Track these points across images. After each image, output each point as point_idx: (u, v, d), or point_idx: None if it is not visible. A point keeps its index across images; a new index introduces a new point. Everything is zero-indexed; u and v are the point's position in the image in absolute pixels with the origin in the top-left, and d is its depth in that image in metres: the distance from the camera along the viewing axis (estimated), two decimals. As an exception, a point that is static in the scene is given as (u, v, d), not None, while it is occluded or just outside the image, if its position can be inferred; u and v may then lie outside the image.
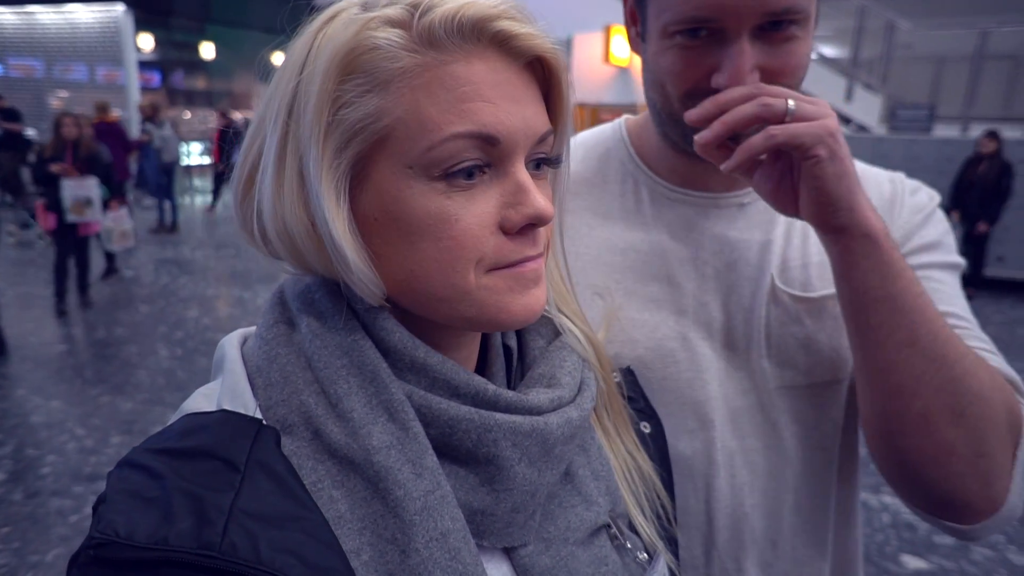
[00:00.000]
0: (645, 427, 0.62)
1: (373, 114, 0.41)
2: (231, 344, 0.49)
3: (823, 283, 0.73)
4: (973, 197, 6.50)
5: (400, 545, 0.40)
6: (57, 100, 9.34)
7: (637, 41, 0.75)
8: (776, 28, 0.63)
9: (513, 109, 0.43)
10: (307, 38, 0.44)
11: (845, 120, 7.99)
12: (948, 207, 6.55)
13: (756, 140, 0.59)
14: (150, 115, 8.64)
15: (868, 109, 7.92)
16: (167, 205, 8.80)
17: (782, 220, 0.76)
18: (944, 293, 0.73)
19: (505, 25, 0.42)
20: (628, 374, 0.65)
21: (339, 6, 0.45)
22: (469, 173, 0.42)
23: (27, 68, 11.78)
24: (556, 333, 0.56)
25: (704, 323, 0.74)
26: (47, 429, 3.48)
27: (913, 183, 0.82)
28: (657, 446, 0.62)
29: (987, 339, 0.72)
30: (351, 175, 0.43)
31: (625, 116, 0.87)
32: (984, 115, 8.07)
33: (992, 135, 6.45)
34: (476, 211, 0.43)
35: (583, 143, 0.86)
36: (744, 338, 0.73)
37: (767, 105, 0.58)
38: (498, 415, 0.44)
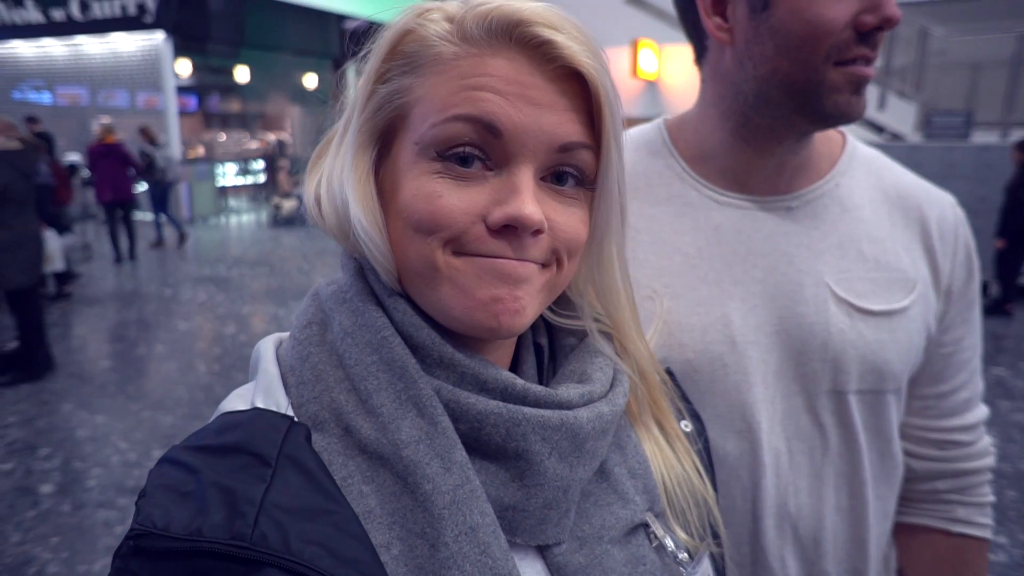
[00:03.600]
0: (686, 426, 0.61)
1: (401, 91, 0.45)
2: (266, 346, 0.51)
3: (881, 297, 0.74)
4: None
5: (429, 539, 0.40)
6: (99, 126, 9.72)
7: (735, 17, 0.71)
8: None
9: (527, 109, 0.43)
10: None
11: (878, 128, 7.86)
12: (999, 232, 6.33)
13: None
14: (150, 138, 8.96)
15: (902, 117, 7.79)
16: (163, 219, 9.21)
17: (833, 228, 0.76)
18: (969, 351, 0.80)
19: (535, 30, 0.43)
20: (668, 375, 0.65)
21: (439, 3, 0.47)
22: (463, 159, 0.43)
23: (73, 96, 12.24)
24: (587, 333, 0.55)
25: (753, 327, 0.73)
26: (92, 443, 3.58)
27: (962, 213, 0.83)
28: (699, 445, 0.61)
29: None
30: (377, 147, 0.47)
31: (664, 116, 0.87)
32: (1023, 120, 7.87)
33: (1020, 146, 6.19)
34: (462, 195, 0.43)
35: (627, 145, 0.86)
36: (797, 341, 0.73)
37: None
38: (527, 409, 0.44)
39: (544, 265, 0.46)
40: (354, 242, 0.48)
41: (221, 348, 5.17)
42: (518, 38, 0.43)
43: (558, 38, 0.43)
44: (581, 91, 0.45)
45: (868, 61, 0.68)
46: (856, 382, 0.73)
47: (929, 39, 7.85)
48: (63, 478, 3.23)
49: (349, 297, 0.47)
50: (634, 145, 0.84)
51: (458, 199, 0.43)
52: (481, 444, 0.44)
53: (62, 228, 8.46)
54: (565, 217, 0.46)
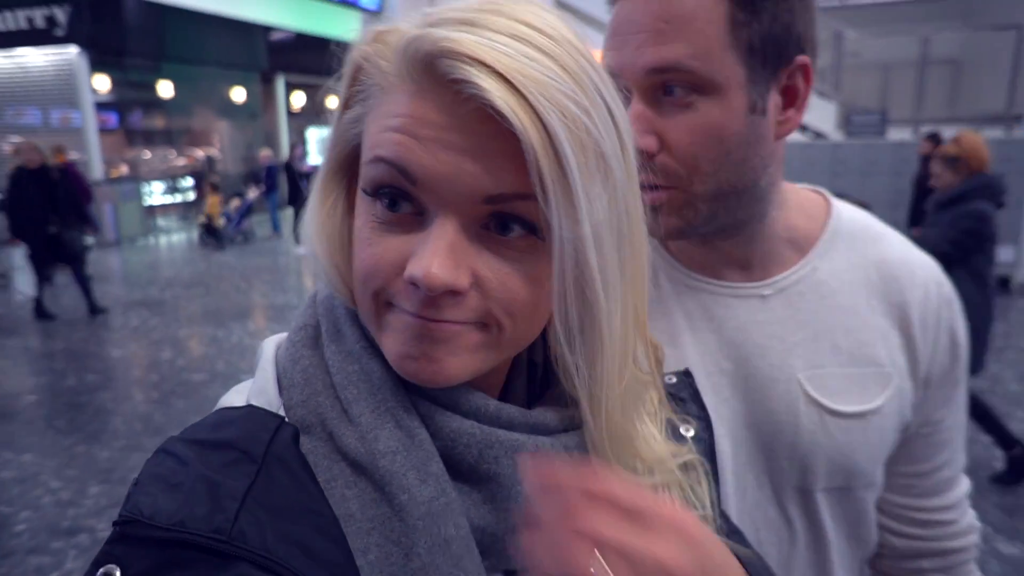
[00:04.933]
0: (688, 430, 0.58)
1: (356, 120, 0.44)
2: (268, 345, 0.51)
3: (854, 396, 0.71)
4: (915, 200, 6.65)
5: (404, 548, 0.41)
6: (9, 145, 9.17)
7: None
8: (668, 93, 0.62)
9: (446, 157, 0.38)
10: None
11: (802, 127, 8.22)
12: (911, 222, 6.72)
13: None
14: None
15: (824, 116, 8.17)
16: None
17: (808, 318, 0.73)
18: (950, 431, 0.76)
19: (450, 64, 0.36)
20: (686, 375, 0.63)
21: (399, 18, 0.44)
22: (392, 201, 0.41)
23: (-23, 115, 11.51)
24: None
25: (726, 418, 0.71)
26: (19, 484, 3.35)
27: (946, 281, 0.77)
28: (700, 450, 0.59)
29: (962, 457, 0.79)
30: (348, 174, 0.47)
31: None
32: (932, 117, 8.38)
33: (931, 137, 6.60)
34: (388, 244, 0.41)
35: None
36: (767, 436, 0.71)
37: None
38: (501, 432, 0.44)
39: (483, 324, 0.41)
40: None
41: (158, 375, 4.94)
42: (437, 75, 0.38)
43: (477, 80, 0.36)
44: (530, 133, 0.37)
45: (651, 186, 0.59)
46: (824, 480, 0.71)
47: (844, 41, 8.26)
48: (-11, 524, 3.02)
49: (336, 304, 0.48)
50: None
51: (383, 248, 0.41)
52: (455, 463, 0.43)
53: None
54: (500, 274, 0.40)
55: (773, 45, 0.62)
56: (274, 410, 0.45)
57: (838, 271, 0.74)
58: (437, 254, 0.38)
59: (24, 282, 6.28)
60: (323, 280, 0.49)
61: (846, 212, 0.78)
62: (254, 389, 0.48)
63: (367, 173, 0.42)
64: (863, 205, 0.85)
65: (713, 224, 0.69)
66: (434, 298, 0.39)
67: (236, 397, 0.48)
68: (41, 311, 6.26)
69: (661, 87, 0.62)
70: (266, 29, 12.87)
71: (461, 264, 0.39)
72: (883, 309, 0.74)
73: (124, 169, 12.21)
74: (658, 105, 0.62)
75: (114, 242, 10.44)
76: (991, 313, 3.06)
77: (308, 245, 0.48)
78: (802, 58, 0.65)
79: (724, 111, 0.62)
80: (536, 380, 0.53)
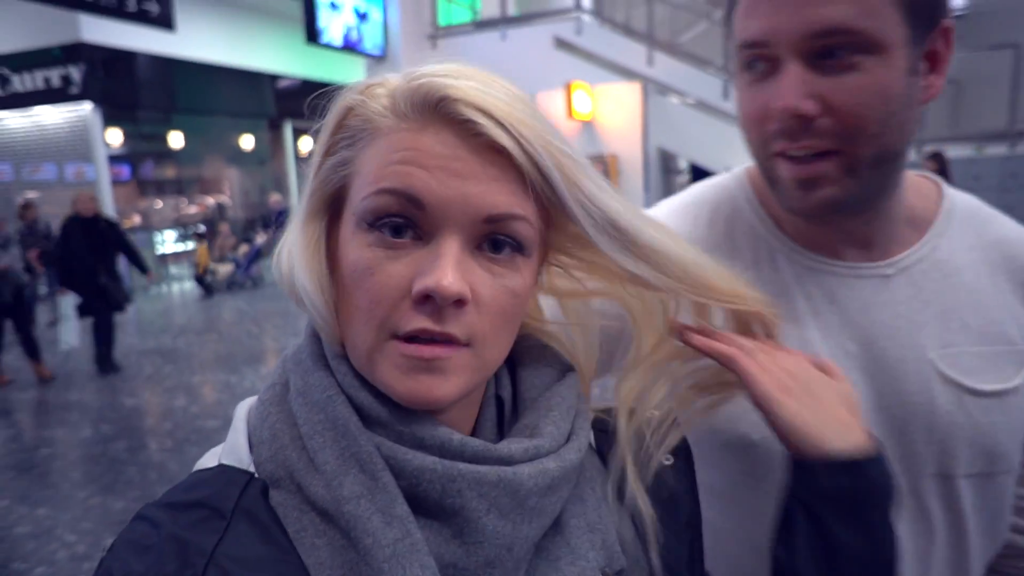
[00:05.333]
0: (667, 459, 0.59)
1: (343, 162, 0.47)
2: (241, 407, 0.52)
3: (991, 375, 0.68)
4: None
5: None
6: (21, 198, 9.44)
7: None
8: (829, 56, 0.58)
9: (451, 181, 0.43)
10: None
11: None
12: None
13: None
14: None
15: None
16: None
17: (933, 298, 0.70)
18: None
19: (457, 107, 0.44)
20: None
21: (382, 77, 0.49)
22: (395, 229, 0.44)
23: (-5, 172, 11.79)
24: (562, 375, 0.55)
25: None
26: (34, 540, 3.33)
27: None
28: (679, 479, 0.59)
29: None
30: (327, 216, 0.50)
31: (747, 165, 0.79)
32: (935, 136, 8.39)
33: (934, 156, 6.60)
34: (392, 270, 0.44)
35: (706, 202, 0.79)
36: (899, 420, 0.68)
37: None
38: (462, 465, 0.44)
39: (467, 344, 0.45)
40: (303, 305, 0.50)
41: (172, 422, 4.94)
42: (442, 113, 0.44)
43: (478, 117, 0.43)
44: (513, 162, 0.45)
45: (789, 156, 0.63)
46: (965, 465, 0.68)
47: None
48: (4, 581, 2.99)
49: (303, 358, 0.50)
50: (716, 200, 0.78)
51: (387, 275, 0.44)
52: (420, 500, 0.45)
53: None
54: (493, 290, 0.45)
55: (928, 5, 0.61)
56: (244, 467, 0.47)
57: (958, 250, 0.73)
58: (448, 267, 0.43)
59: (70, 332, 6.18)
60: (302, 332, 0.52)
61: (957, 194, 0.78)
62: (225, 449, 0.50)
63: (368, 206, 0.45)
64: None
65: (864, 195, 0.66)
66: (441, 310, 0.43)
67: (210, 459, 0.50)
68: (104, 364, 6.20)
69: (822, 50, 0.59)
70: (273, 78, 13.18)
71: (464, 278, 0.44)
72: (1009, 287, 0.72)
73: (136, 219, 12.39)
74: (818, 68, 0.60)
75: (127, 290, 10.54)
76: None
77: (291, 286, 0.50)
78: (947, 21, 0.63)
79: (888, 71, 0.59)
80: (504, 415, 0.54)
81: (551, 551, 0.49)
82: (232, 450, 0.49)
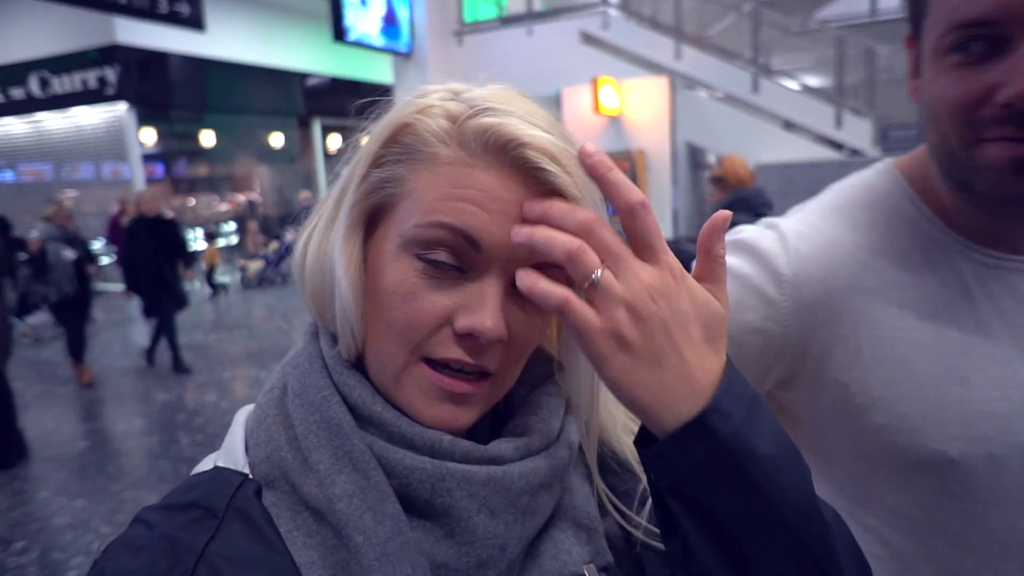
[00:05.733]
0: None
1: (394, 179, 0.46)
2: (241, 412, 0.54)
3: None
4: None
5: None
6: (68, 199, 9.71)
7: (913, 77, 0.65)
8: None
9: (509, 225, 0.44)
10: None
11: (838, 146, 8.08)
12: None
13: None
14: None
15: (859, 134, 8.02)
16: None
17: None
18: None
19: (531, 154, 0.44)
20: None
21: (431, 89, 0.49)
22: (444, 266, 0.45)
23: (36, 172, 12.13)
24: (550, 374, 0.55)
25: None
26: (72, 531, 3.43)
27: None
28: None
29: None
30: (365, 225, 0.49)
31: (890, 160, 0.75)
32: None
33: None
34: (435, 299, 0.45)
35: (857, 203, 0.73)
36: None
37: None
38: (451, 464, 0.45)
39: (492, 374, 0.47)
40: (324, 312, 0.50)
41: (203, 417, 5.04)
42: (513, 158, 0.44)
43: (552, 167, 0.44)
44: None
45: (1016, 140, 0.57)
46: None
47: (876, 58, 8.14)
48: (41, 572, 3.08)
49: (301, 361, 0.50)
50: (867, 201, 0.72)
51: (431, 303, 0.45)
52: (412, 500, 0.45)
53: (32, 307, 8.32)
54: (523, 326, 0.47)
55: None
56: (239, 469, 0.48)
57: None
58: (494, 309, 0.44)
59: (138, 334, 6.16)
60: (296, 349, 0.53)
61: None
62: (222, 452, 0.50)
63: (421, 235, 0.44)
64: None
65: None
66: (482, 347, 0.45)
67: (207, 463, 0.51)
68: (179, 364, 6.18)
69: None
70: (302, 76, 13.33)
71: (504, 318, 0.45)
72: None
73: (170, 216, 12.66)
74: None
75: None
76: None
77: (316, 283, 0.50)
78: None
79: None
80: (499, 416, 0.54)
81: (536, 546, 0.50)
82: (228, 452, 0.50)
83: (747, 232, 0.75)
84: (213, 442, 4.49)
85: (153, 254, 5.84)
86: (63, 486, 3.97)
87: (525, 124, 0.44)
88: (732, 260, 0.72)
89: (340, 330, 0.49)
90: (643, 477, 0.57)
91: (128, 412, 5.27)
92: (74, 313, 5.81)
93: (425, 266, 0.45)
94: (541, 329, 0.49)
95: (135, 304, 6.00)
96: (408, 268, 0.45)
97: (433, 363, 0.46)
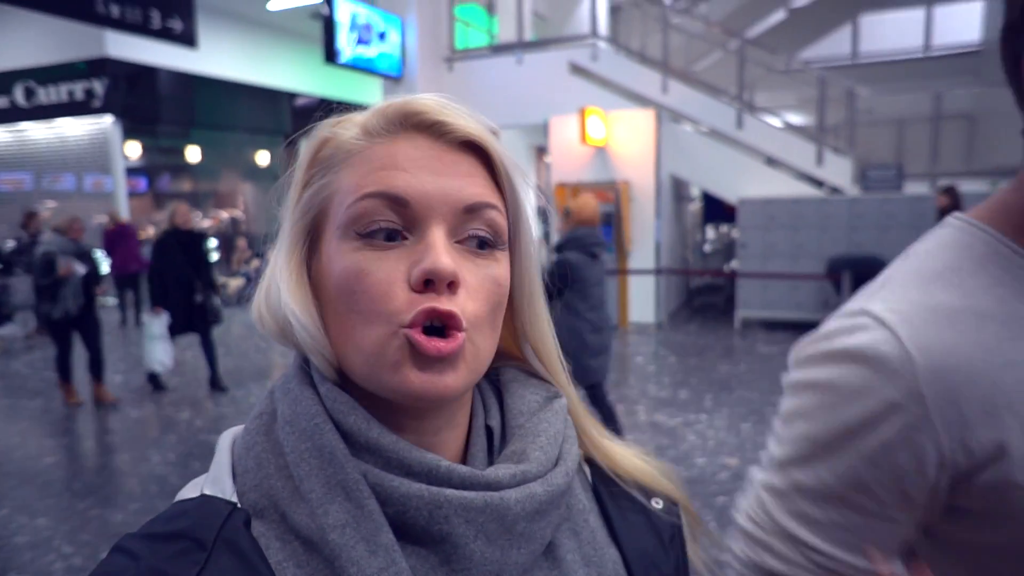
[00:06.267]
0: (657, 503, 0.60)
1: (320, 190, 0.49)
2: (225, 437, 0.52)
3: None
4: None
5: None
6: (46, 210, 9.59)
7: None
8: None
9: (429, 178, 0.47)
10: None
11: (819, 183, 8.24)
12: None
13: None
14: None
15: (839, 172, 8.19)
16: None
17: None
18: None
19: (428, 115, 0.48)
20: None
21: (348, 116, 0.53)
22: (388, 235, 0.46)
23: (16, 182, 11.98)
24: (548, 401, 0.55)
25: None
26: (32, 550, 3.32)
27: None
28: (665, 522, 0.60)
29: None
30: (307, 244, 0.50)
31: (960, 216, 0.68)
32: (948, 171, 8.37)
33: (947, 191, 6.53)
34: (386, 266, 0.46)
35: (956, 268, 0.65)
36: None
37: None
38: (448, 491, 0.44)
39: (467, 328, 0.47)
40: (293, 338, 0.50)
41: (176, 436, 4.93)
42: (414, 123, 0.48)
43: (447, 119, 0.48)
44: (480, 161, 0.50)
45: None
46: None
47: (856, 98, 8.36)
48: (-1, 592, 2.97)
49: (291, 387, 0.49)
50: (963, 265, 0.65)
51: (383, 272, 0.45)
52: (408, 527, 0.44)
53: (2, 318, 8.16)
54: (479, 278, 0.48)
55: None
56: (227, 497, 0.47)
57: None
58: (441, 250, 0.45)
59: (164, 353, 5.70)
60: (290, 361, 0.53)
61: None
62: (208, 479, 0.49)
63: (354, 213, 0.46)
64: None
65: None
66: (441, 292, 0.45)
67: (191, 489, 0.49)
68: (216, 383, 5.99)
69: None
70: (291, 96, 13.36)
71: (454, 262, 0.46)
72: None
73: (151, 231, 12.56)
74: None
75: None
76: (584, 340, 3.75)
77: (275, 324, 0.51)
78: None
79: None
80: (493, 444, 0.54)
81: None
82: (215, 480, 0.48)
83: (849, 338, 0.64)
84: (186, 461, 4.39)
85: (186, 270, 5.63)
86: (25, 504, 3.85)
87: (412, 98, 0.49)
88: (843, 371, 0.63)
89: (309, 351, 0.49)
90: (647, 503, 0.59)
91: (97, 427, 5.15)
92: (72, 331, 5.57)
93: (365, 242, 0.46)
94: (500, 283, 0.49)
95: (159, 322, 5.64)
96: (352, 251, 0.46)
97: (409, 329, 0.45)
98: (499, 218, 0.49)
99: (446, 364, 0.45)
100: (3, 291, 8.27)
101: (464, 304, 0.46)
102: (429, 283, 0.45)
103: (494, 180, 0.50)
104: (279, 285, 0.49)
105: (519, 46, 9.03)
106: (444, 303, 0.45)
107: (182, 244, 5.64)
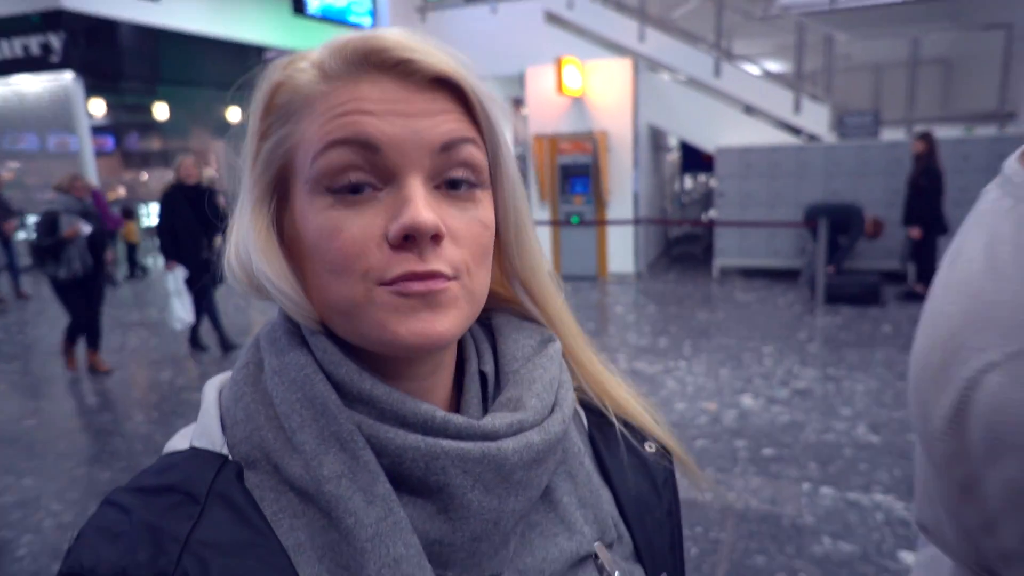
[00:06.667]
0: (650, 447, 0.61)
1: (281, 140, 0.46)
2: (210, 386, 0.51)
3: None
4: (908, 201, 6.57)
5: (354, 571, 0.41)
6: (7, 171, 9.30)
7: None
8: None
9: (399, 121, 0.43)
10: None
11: (796, 131, 8.24)
12: (905, 221, 6.70)
13: None
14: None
15: (817, 119, 8.20)
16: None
17: None
18: None
19: (391, 53, 0.44)
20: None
21: (293, 54, 0.49)
22: (355, 188, 0.43)
23: (-26, 142, 11.58)
24: (543, 346, 0.54)
25: None
26: (21, 508, 3.33)
27: None
28: (658, 467, 0.60)
29: None
30: (274, 199, 0.48)
31: (990, 194, 0.53)
32: (925, 117, 8.41)
33: (923, 136, 6.51)
34: (361, 222, 0.43)
35: (1002, 240, 0.47)
36: None
37: None
38: (444, 442, 0.44)
39: (455, 277, 0.45)
40: (269, 295, 0.48)
41: (158, 395, 4.93)
42: (376, 63, 0.44)
43: (414, 55, 0.44)
44: (452, 96, 0.46)
45: None
46: None
47: (834, 44, 8.31)
48: (-10, 549, 2.99)
49: (278, 336, 0.48)
50: (998, 233, 0.50)
51: (358, 227, 0.43)
52: (404, 478, 0.44)
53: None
54: (463, 222, 0.46)
55: None
56: (217, 450, 0.46)
57: None
58: (419, 204, 0.42)
59: (183, 308, 5.49)
60: (274, 313, 0.51)
61: None
62: (197, 431, 0.48)
63: (322, 165, 0.43)
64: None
65: None
66: (422, 249, 0.43)
67: (180, 441, 0.48)
68: (196, 342, 5.86)
69: None
70: (259, 49, 12.96)
71: (434, 213, 0.43)
72: None
73: (121, 191, 12.26)
74: None
75: (112, 263, 10.45)
76: None
77: (249, 281, 0.48)
78: None
79: None
80: (487, 390, 0.53)
81: (545, 527, 0.50)
82: (204, 432, 0.47)
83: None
84: (169, 419, 4.40)
85: (195, 224, 5.44)
86: (10, 464, 3.84)
87: (371, 33, 0.45)
88: None
89: (282, 306, 0.47)
90: (641, 447, 0.60)
91: (79, 389, 5.12)
92: (82, 294, 5.32)
93: (337, 196, 0.43)
94: (486, 225, 0.47)
95: (173, 277, 5.45)
96: (323, 206, 0.44)
97: (387, 284, 0.44)
98: (478, 153, 0.46)
99: (434, 307, 0.44)
100: (40, 255, 8.07)
101: (451, 254, 0.44)
102: (409, 238, 0.43)
103: (469, 115, 0.47)
104: (247, 247, 0.47)
105: (494, -7, 8.80)
106: (426, 261, 0.43)
107: (188, 199, 5.44)
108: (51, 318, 6.70)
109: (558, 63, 7.96)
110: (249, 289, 0.49)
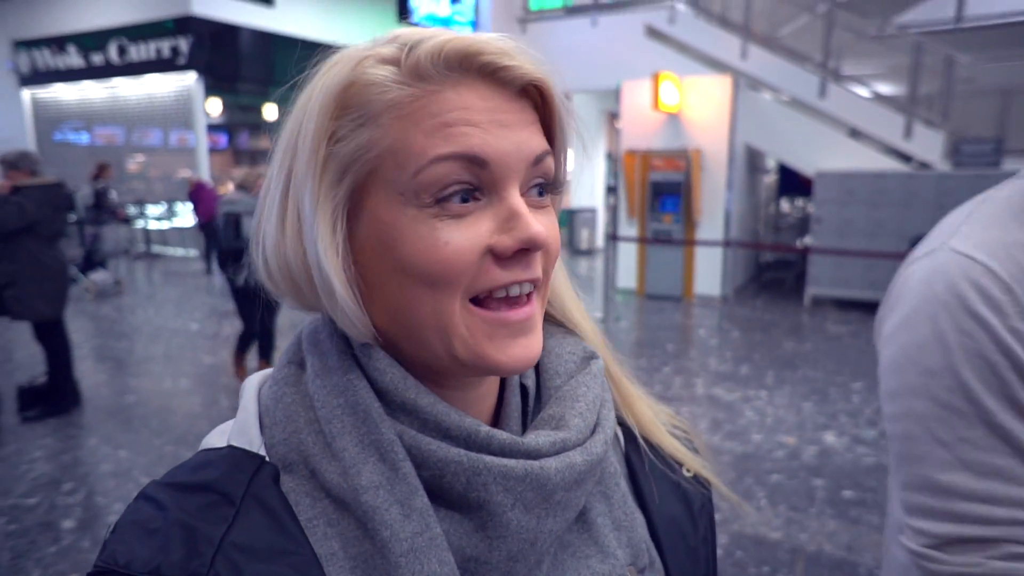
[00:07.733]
0: (687, 471, 0.59)
1: (365, 145, 0.42)
2: (250, 384, 0.51)
3: None
4: None
5: None
6: (135, 164, 10.10)
7: None
8: None
9: (502, 133, 0.42)
10: (311, 82, 0.46)
11: (906, 158, 7.76)
12: None
13: None
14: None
15: (930, 146, 7.68)
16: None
17: None
18: None
19: (491, 57, 0.43)
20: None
21: (342, 51, 0.46)
22: (463, 198, 0.42)
23: (109, 136, 12.66)
24: (586, 363, 0.53)
25: None
26: (115, 478, 3.59)
27: None
28: (695, 492, 0.59)
29: None
30: (347, 207, 0.44)
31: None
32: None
33: None
34: (467, 234, 0.42)
35: (1010, 217, 0.73)
36: None
37: None
38: (488, 458, 0.43)
39: (539, 285, 0.46)
40: (308, 300, 0.46)
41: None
42: (476, 68, 0.43)
43: (512, 62, 0.43)
44: (531, 104, 0.46)
45: None
46: None
47: (955, 67, 7.77)
48: (84, 513, 3.24)
49: (322, 339, 0.47)
50: None
51: (466, 240, 0.42)
52: (444, 492, 0.43)
53: (96, 264, 8.72)
54: (549, 229, 0.46)
55: None
56: (255, 450, 0.45)
57: None
58: (530, 217, 0.43)
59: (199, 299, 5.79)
60: (314, 317, 0.50)
61: None
62: (235, 429, 0.47)
63: (427, 179, 0.41)
64: None
65: None
66: (531, 259, 0.44)
67: (218, 438, 0.48)
68: None
69: None
70: (365, 56, 13.47)
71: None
72: None
73: (230, 187, 13.05)
74: None
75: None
76: None
77: (291, 282, 0.46)
78: None
79: None
80: (528, 404, 0.52)
81: (579, 548, 0.49)
82: (242, 431, 0.47)
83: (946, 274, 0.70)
84: (252, 406, 4.61)
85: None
86: (110, 435, 4.15)
87: (469, 36, 0.43)
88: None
89: (338, 318, 0.45)
90: (677, 471, 0.58)
91: (175, 371, 5.47)
92: (259, 303, 4.95)
93: (441, 208, 0.42)
94: (558, 228, 0.49)
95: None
96: (425, 218, 0.42)
97: (479, 301, 0.43)
98: (552, 165, 0.46)
99: (529, 330, 0.44)
100: (95, 239, 8.82)
101: (540, 262, 0.45)
102: (521, 250, 0.43)
103: (543, 122, 0.47)
104: (319, 256, 0.43)
105: (594, 7, 8.80)
106: (532, 270, 0.44)
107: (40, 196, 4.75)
108: (158, 302, 7.20)
109: (655, 78, 7.85)
110: (287, 295, 0.47)
